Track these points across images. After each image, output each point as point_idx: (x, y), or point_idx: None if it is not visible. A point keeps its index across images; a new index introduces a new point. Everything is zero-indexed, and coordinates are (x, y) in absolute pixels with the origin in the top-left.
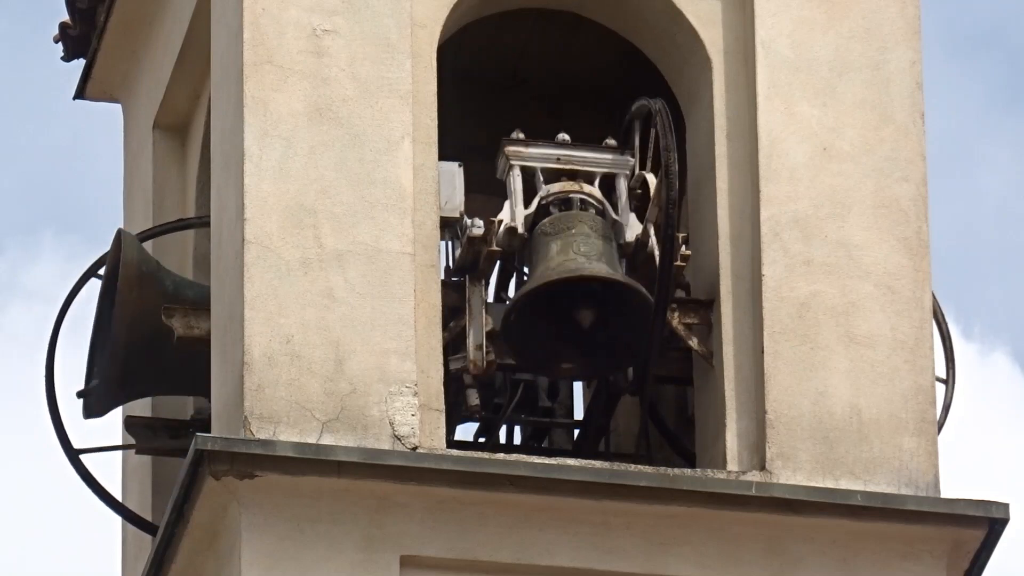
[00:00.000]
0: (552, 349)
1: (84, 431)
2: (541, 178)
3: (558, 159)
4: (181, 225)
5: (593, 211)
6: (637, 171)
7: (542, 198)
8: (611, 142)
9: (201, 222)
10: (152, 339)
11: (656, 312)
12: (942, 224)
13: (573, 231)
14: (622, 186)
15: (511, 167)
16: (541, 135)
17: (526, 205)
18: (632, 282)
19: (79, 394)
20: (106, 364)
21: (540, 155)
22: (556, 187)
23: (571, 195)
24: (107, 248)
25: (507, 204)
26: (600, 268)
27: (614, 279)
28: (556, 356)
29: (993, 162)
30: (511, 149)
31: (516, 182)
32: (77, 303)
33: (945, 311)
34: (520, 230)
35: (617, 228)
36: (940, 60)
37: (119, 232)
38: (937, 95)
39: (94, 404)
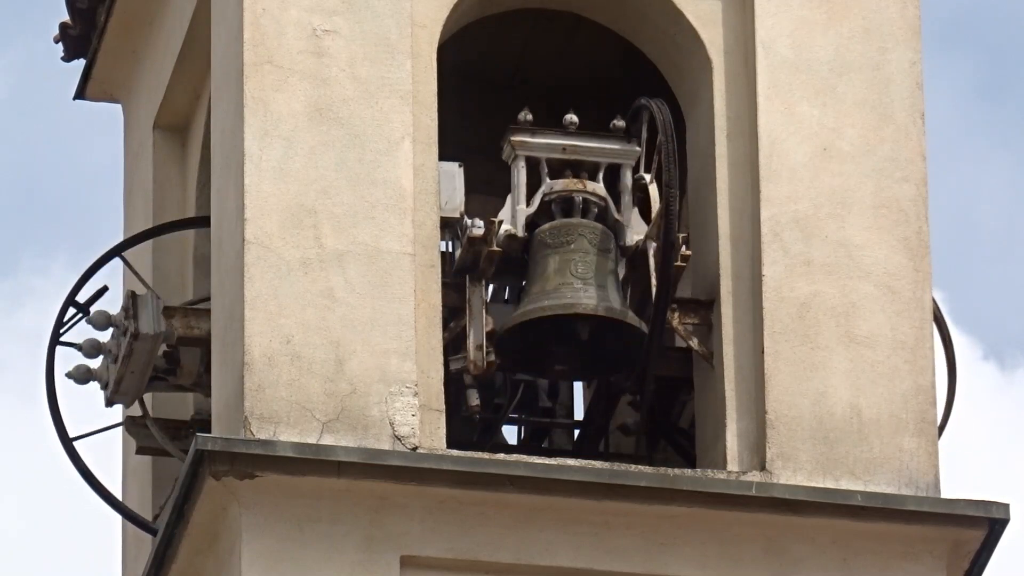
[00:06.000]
0: (547, 352)
1: (84, 430)
2: (546, 169)
3: (563, 149)
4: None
5: (596, 211)
6: (641, 171)
7: (545, 194)
8: (619, 123)
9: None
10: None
11: (656, 312)
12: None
13: (572, 246)
14: (627, 179)
15: (516, 157)
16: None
17: (528, 201)
18: (626, 315)
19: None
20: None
21: (545, 145)
22: (560, 184)
23: (574, 195)
24: (107, 249)
25: (509, 199)
26: (593, 299)
27: (607, 317)
28: (551, 358)
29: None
30: (517, 139)
31: (520, 175)
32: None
33: (945, 311)
34: (520, 234)
35: (618, 228)
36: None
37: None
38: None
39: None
